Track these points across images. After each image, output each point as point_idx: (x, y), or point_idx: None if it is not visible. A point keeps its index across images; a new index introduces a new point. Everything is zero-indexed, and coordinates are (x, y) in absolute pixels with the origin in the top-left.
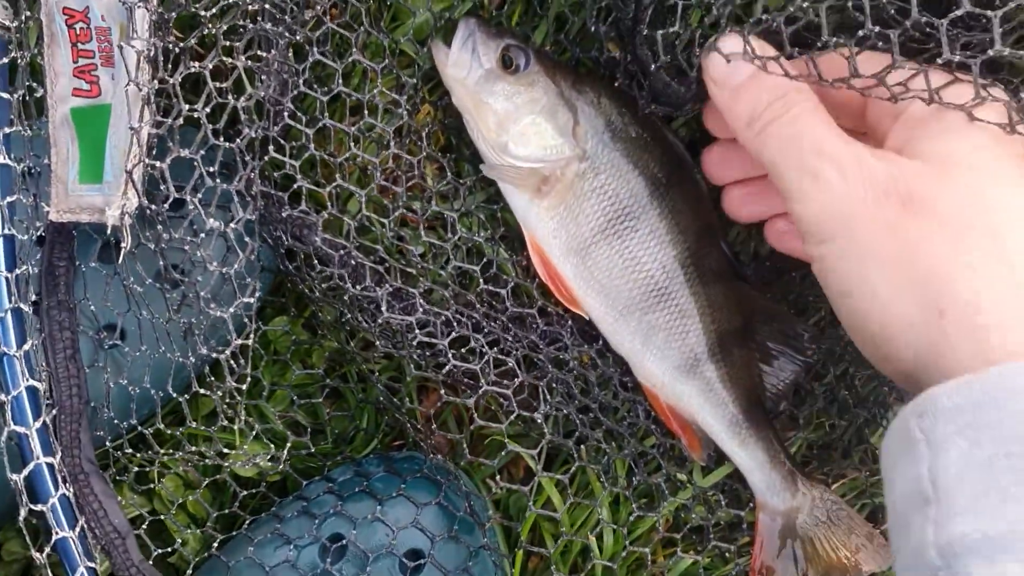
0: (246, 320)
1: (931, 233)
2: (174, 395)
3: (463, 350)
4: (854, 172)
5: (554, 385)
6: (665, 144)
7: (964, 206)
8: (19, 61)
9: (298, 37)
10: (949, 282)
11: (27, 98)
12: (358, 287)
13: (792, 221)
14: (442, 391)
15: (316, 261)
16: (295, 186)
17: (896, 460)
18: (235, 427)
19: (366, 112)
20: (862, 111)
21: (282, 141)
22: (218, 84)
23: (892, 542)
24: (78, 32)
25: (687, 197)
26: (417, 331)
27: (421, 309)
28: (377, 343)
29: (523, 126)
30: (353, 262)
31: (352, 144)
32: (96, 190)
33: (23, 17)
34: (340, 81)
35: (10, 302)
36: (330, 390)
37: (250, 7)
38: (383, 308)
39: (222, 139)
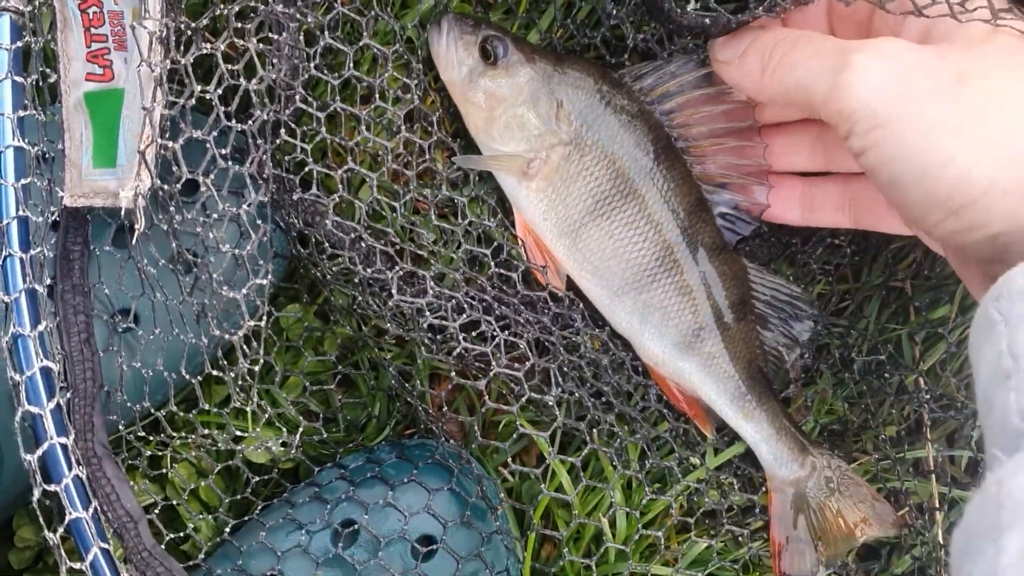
0: (259, 303)
1: (1001, 101)
2: (188, 378)
3: (474, 334)
4: (896, 55)
5: (566, 369)
6: (650, 122)
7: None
8: (32, 46)
9: (309, 21)
10: None
11: (40, 84)
12: (369, 270)
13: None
14: (453, 374)
15: (328, 245)
16: (306, 170)
17: (980, 346)
18: (248, 410)
19: (377, 97)
20: (866, 25)
21: (293, 125)
22: (230, 67)
23: (982, 426)
24: (91, 16)
25: (674, 174)
26: (428, 314)
27: (432, 292)
28: (388, 327)
29: (507, 119)
30: (364, 245)
31: (364, 129)
32: (110, 174)
33: (37, 2)
34: (351, 66)
35: (24, 283)
36: (342, 377)
37: None
38: (393, 291)
39: (234, 122)
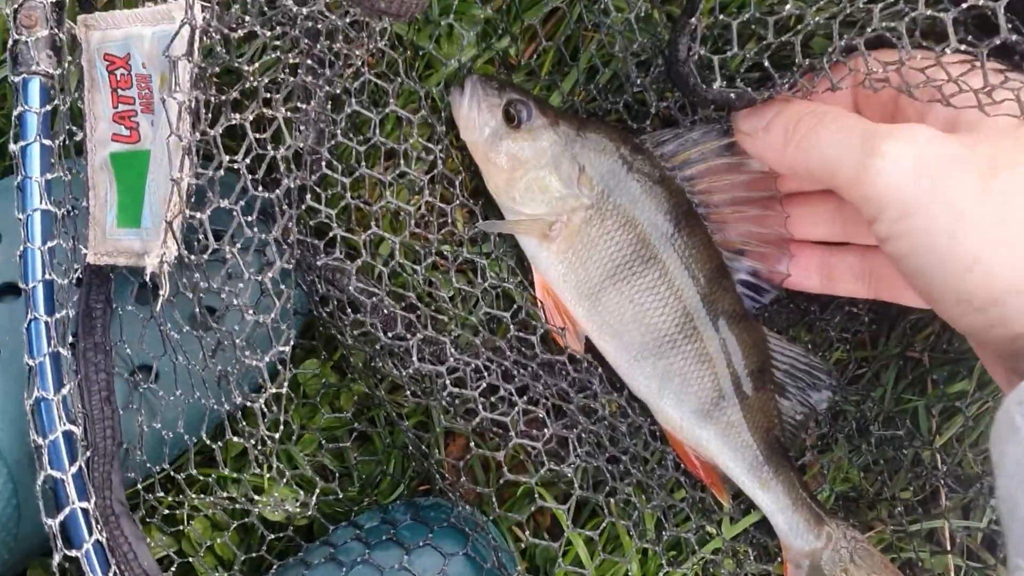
0: (279, 367)
1: None
2: (207, 440)
3: (493, 398)
4: (926, 145)
5: (583, 435)
6: (671, 188)
7: None
8: (61, 107)
9: (336, 89)
10: None
11: (67, 141)
12: (389, 335)
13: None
14: (470, 442)
15: (349, 308)
16: (331, 234)
17: (1003, 448)
18: (264, 472)
19: (401, 160)
20: (891, 107)
21: (318, 189)
22: (258, 135)
23: (1004, 527)
24: (119, 78)
25: (695, 240)
26: (447, 379)
27: (452, 357)
28: (407, 390)
29: (529, 180)
30: (386, 310)
31: (386, 191)
32: (134, 234)
33: (66, 63)
34: (376, 130)
35: (49, 347)
36: (357, 434)
37: (291, 60)
38: (414, 356)
39: (260, 188)
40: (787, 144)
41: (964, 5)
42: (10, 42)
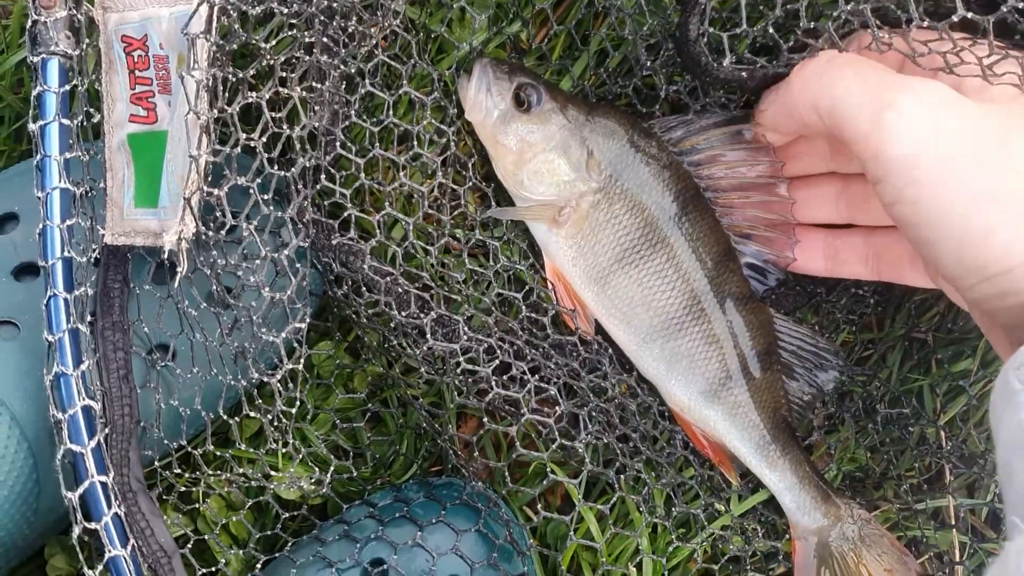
0: (295, 344)
1: None
2: (224, 416)
3: (505, 377)
4: (941, 103)
5: (594, 414)
6: (679, 172)
7: None
8: (79, 87)
9: (351, 69)
10: None
11: (85, 123)
12: (403, 314)
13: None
14: (484, 419)
15: (363, 288)
16: (345, 215)
17: (1000, 412)
18: (279, 449)
19: (414, 142)
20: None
21: (332, 170)
22: (273, 114)
23: (1003, 494)
24: (136, 59)
25: (703, 224)
26: (460, 358)
27: (465, 336)
28: (421, 369)
29: (537, 163)
30: (399, 289)
31: (399, 173)
32: (151, 214)
33: (83, 45)
34: (389, 112)
35: (68, 323)
36: (371, 415)
37: (306, 39)
38: (427, 335)
39: (276, 167)
40: (804, 86)
41: None
42: (29, 22)
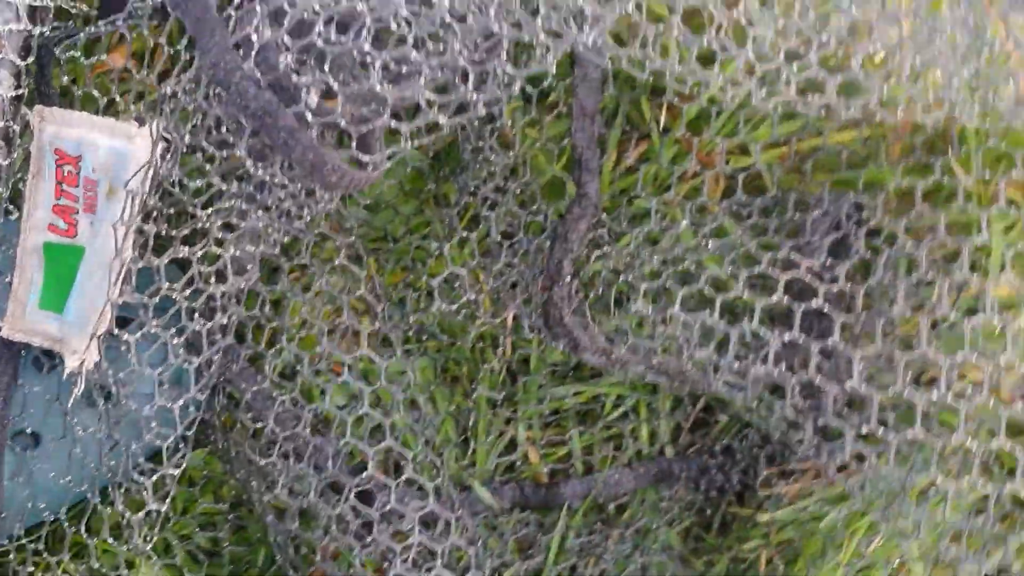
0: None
1: None
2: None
3: None
4: None
5: None
6: None
7: None
8: (3, 192)
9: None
10: None
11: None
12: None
13: None
14: None
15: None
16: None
17: None
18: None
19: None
20: None
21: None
22: (201, 269)
23: None
24: (65, 174)
25: None
26: None
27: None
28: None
29: None
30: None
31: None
32: (55, 319)
33: (14, 155)
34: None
35: None
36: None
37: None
38: None
39: (196, 317)
40: None
41: None
42: None
